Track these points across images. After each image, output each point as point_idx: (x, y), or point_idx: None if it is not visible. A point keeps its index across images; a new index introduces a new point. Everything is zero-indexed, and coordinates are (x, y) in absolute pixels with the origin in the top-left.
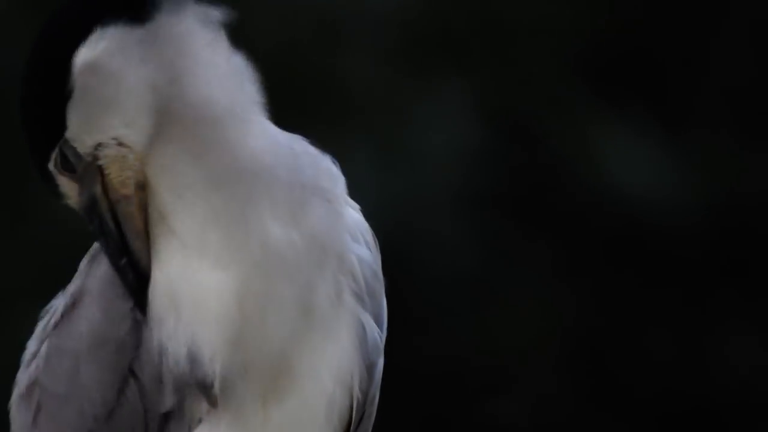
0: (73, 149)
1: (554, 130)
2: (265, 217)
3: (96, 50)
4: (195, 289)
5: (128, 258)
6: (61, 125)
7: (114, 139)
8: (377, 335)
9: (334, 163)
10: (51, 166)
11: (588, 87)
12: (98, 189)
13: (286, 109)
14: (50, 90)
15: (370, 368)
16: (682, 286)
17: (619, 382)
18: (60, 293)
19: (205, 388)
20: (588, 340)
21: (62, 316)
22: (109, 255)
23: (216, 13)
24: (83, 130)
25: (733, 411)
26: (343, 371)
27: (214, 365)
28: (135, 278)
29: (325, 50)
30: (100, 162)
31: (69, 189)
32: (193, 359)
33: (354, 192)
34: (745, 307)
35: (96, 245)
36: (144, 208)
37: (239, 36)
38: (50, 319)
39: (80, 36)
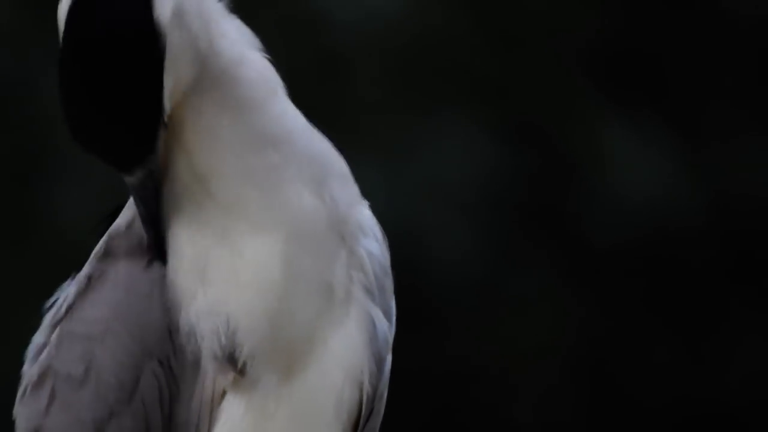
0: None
1: (564, 136)
2: (298, 183)
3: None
4: (232, 254)
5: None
6: (160, 89)
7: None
8: (387, 330)
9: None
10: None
11: (598, 92)
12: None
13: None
14: (144, 54)
15: (379, 363)
16: (690, 291)
17: (627, 387)
18: (60, 288)
19: (233, 361)
20: (596, 345)
21: (74, 301)
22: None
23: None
24: (174, 87)
25: (744, 415)
26: (353, 366)
27: (248, 337)
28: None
29: (329, 72)
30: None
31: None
32: (225, 333)
33: (364, 196)
34: (755, 311)
35: (100, 246)
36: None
37: None
38: (60, 308)
39: None
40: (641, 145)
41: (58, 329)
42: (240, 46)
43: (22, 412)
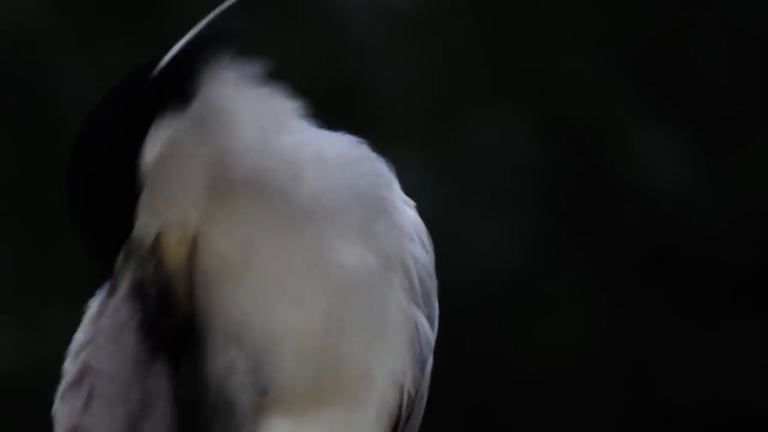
0: (139, 241)
1: (599, 137)
2: (338, 245)
3: (158, 143)
4: (271, 326)
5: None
6: (130, 221)
7: (178, 220)
8: (429, 334)
9: (386, 164)
10: (119, 262)
11: (633, 94)
12: (150, 268)
13: (333, 121)
14: (119, 189)
15: (421, 366)
16: (722, 292)
17: (660, 387)
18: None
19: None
20: (629, 344)
21: (105, 300)
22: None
23: (253, 66)
24: (150, 220)
25: None
26: (396, 370)
27: (281, 382)
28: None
29: (366, 71)
30: (159, 245)
31: (130, 265)
32: (258, 382)
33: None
34: None
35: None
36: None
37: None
38: (99, 305)
39: (140, 129)
40: (673, 148)
41: (95, 327)
42: (256, 144)
43: (62, 409)
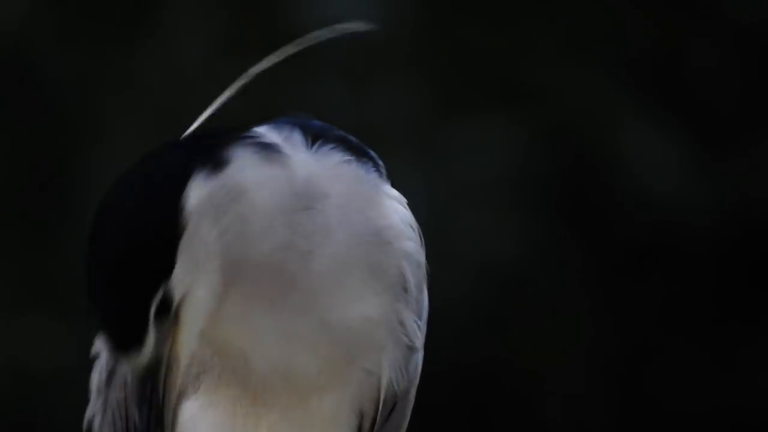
0: (169, 295)
1: (592, 140)
2: (342, 299)
3: (199, 196)
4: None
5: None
6: (167, 267)
7: (198, 289)
8: (416, 329)
9: (375, 163)
10: (152, 310)
11: (626, 96)
12: (167, 348)
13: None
14: (160, 231)
15: (406, 362)
16: (719, 292)
17: (656, 387)
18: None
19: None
20: (626, 345)
21: (115, 366)
22: (145, 421)
23: (277, 139)
24: (183, 273)
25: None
26: (372, 365)
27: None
28: None
29: (365, 75)
30: (180, 314)
31: (149, 342)
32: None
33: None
34: None
35: None
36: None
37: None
38: (101, 374)
39: (181, 182)
40: (667, 150)
41: (101, 399)
42: (268, 229)
43: None
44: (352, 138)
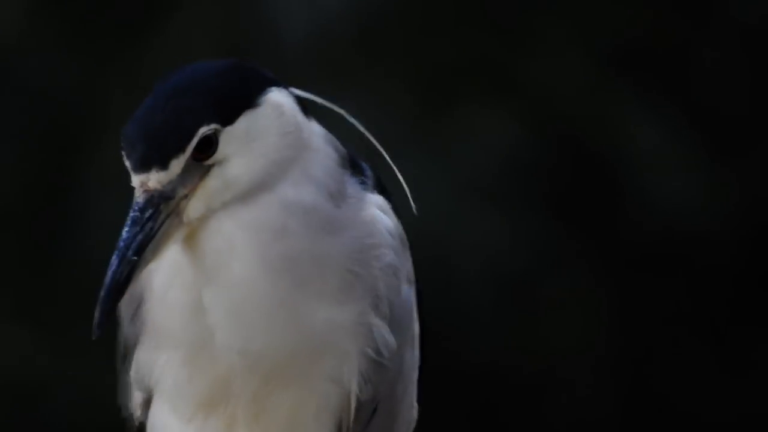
0: (215, 147)
1: (597, 139)
2: (310, 310)
3: (276, 99)
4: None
5: (137, 258)
6: (233, 115)
7: (236, 175)
8: (386, 339)
9: (363, 173)
10: (195, 138)
11: (629, 91)
12: (184, 192)
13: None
14: (243, 84)
15: (378, 367)
16: (724, 294)
17: (661, 387)
18: None
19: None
20: (630, 345)
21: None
22: (124, 245)
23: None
24: (235, 140)
25: None
26: (341, 375)
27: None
28: (125, 278)
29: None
30: (205, 179)
31: (171, 171)
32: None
33: (394, 195)
34: None
35: None
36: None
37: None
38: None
39: (265, 81)
40: (673, 150)
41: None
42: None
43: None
44: (340, 147)
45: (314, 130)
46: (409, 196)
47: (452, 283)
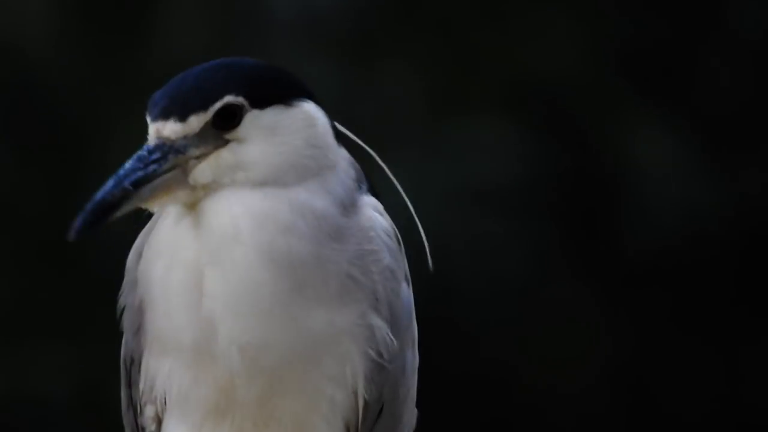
0: (237, 122)
1: (599, 142)
2: (310, 311)
3: (308, 105)
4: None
5: (135, 191)
6: (262, 101)
7: (253, 159)
8: (387, 341)
9: (356, 171)
10: (220, 102)
11: (634, 98)
12: (196, 153)
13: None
14: (280, 82)
15: (382, 368)
16: (725, 303)
17: (662, 396)
18: None
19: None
20: (632, 354)
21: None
22: (124, 173)
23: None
24: (260, 127)
25: None
26: (346, 374)
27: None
28: (116, 202)
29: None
30: (220, 150)
31: (189, 125)
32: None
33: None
34: None
35: None
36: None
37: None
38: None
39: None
40: (676, 158)
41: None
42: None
43: None
44: (358, 168)
45: (341, 154)
46: (408, 204)
47: (452, 291)
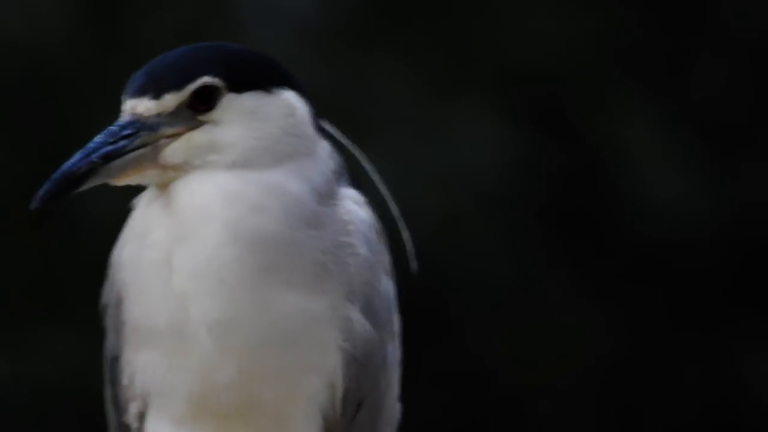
0: (213, 104)
1: (590, 135)
2: (285, 298)
3: (289, 94)
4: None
5: (103, 164)
6: (241, 85)
7: (226, 141)
8: (367, 328)
9: (336, 162)
10: (196, 82)
11: (624, 95)
12: (169, 131)
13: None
14: (261, 68)
15: (361, 360)
16: (713, 301)
17: (649, 396)
18: None
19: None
20: (618, 352)
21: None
22: (93, 146)
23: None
24: (236, 110)
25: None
26: (323, 366)
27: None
28: (82, 174)
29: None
30: (194, 131)
31: (163, 103)
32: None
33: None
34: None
35: None
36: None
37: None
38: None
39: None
40: (668, 155)
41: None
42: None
43: None
44: (339, 161)
45: (322, 145)
46: (388, 198)
47: (442, 287)
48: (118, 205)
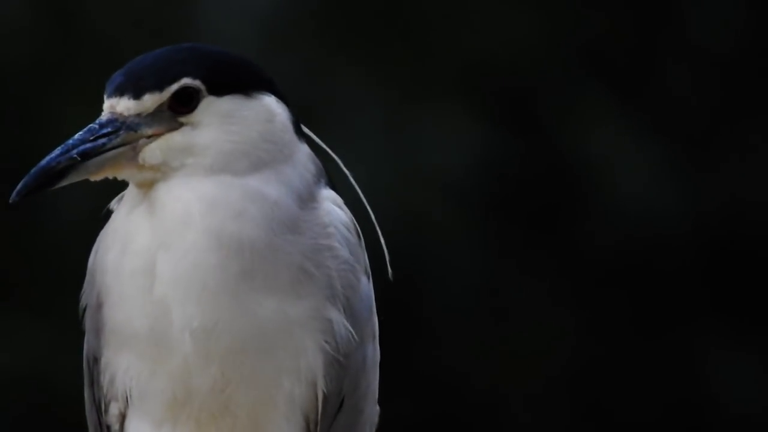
0: (193, 106)
1: (559, 134)
2: (264, 300)
3: (269, 99)
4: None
5: (81, 161)
6: (221, 88)
7: (203, 144)
8: (347, 329)
9: (315, 166)
10: (177, 84)
11: (595, 96)
12: (148, 132)
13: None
14: (241, 71)
15: (342, 361)
16: (689, 305)
17: (620, 398)
18: None
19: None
20: (590, 355)
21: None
22: (72, 143)
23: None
24: (215, 113)
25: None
26: (304, 367)
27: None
28: (60, 170)
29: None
30: (172, 132)
31: (143, 104)
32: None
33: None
34: (743, 325)
35: None
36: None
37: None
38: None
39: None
40: (639, 159)
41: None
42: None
43: None
44: (320, 165)
45: (302, 149)
46: (364, 201)
47: (415, 290)
48: (83, 198)
